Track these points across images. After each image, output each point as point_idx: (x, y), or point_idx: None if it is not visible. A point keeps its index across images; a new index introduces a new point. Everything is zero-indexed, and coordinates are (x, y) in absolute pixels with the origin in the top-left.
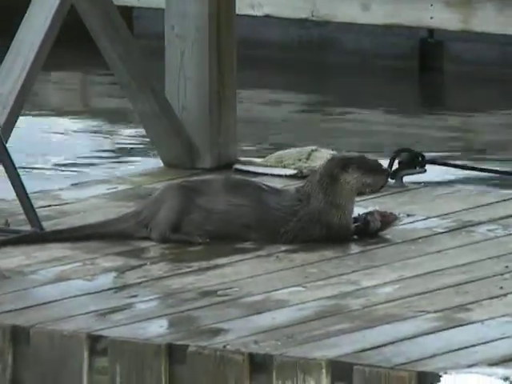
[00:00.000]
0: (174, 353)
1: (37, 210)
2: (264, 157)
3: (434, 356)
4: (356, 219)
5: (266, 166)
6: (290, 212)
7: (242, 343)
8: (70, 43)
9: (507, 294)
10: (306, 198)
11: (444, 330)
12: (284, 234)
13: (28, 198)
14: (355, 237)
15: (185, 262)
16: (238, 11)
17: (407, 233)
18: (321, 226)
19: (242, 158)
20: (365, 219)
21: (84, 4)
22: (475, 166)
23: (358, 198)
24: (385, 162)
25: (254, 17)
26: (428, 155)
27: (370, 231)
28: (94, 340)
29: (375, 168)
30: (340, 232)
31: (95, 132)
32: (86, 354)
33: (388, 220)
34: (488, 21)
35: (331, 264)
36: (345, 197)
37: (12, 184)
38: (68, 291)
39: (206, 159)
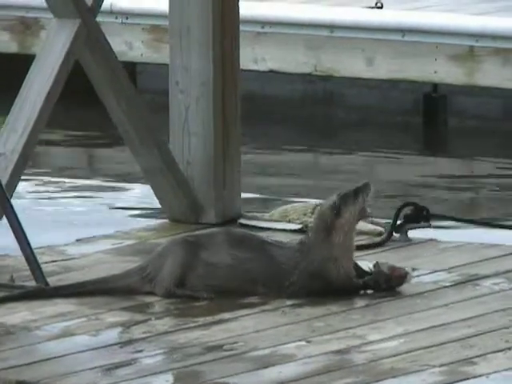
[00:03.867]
0: None
1: (42, 265)
2: (268, 211)
3: None
4: (365, 273)
5: (271, 220)
6: (292, 264)
7: None
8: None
9: None
10: (306, 250)
11: None
12: (289, 287)
13: (33, 253)
14: (365, 291)
15: (190, 317)
16: (241, 66)
17: (413, 287)
18: (320, 280)
19: (247, 213)
20: (374, 273)
21: (88, 60)
22: (480, 220)
23: (361, 253)
24: (390, 216)
25: (258, 72)
26: (433, 209)
27: (380, 285)
28: None
29: (357, 191)
30: (341, 285)
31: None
32: None
33: (399, 274)
34: (492, 75)
35: (337, 318)
36: (342, 246)
37: (17, 239)
38: (73, 347)
39: (210, 214)
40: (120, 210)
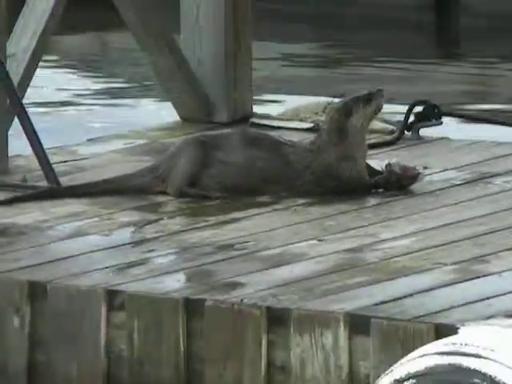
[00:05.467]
0: (191, 307)
1: (53, 165)
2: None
3: (451, 308)
4: (376, 172)
5: (283, 119)
6: (304, 164)
7: (260, 297)
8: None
9: None
10: (317, 150)
11: (462, 282)
12: (300, 187)
13: (45, 153)
14: (376, 190)
15: (202, 217)
16: None
17: (424, 185)
18: (333, 179)
19: (259, 112)
20: (386, 172)
21: None
22: (492, 118)
23: (373, 152)
24: (400, 114)
25: None
26: (444, 106)
27: (391, 185)
28: (111, 295)
29: (370, 95)
30: (353, 184)
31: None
32: (103, 309)
33: (411, 175)
34: None
35: (349, 217)
36: (354, 145)
37: (29, 140)
38: (85, 246)
39: (222, 113)
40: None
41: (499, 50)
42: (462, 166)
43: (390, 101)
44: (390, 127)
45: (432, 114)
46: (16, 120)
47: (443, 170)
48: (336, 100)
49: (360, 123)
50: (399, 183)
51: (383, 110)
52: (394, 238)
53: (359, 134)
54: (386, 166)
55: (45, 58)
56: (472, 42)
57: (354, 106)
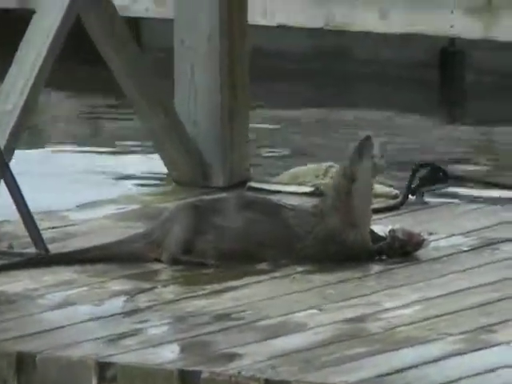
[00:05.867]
0: (186, 379)
1: (42, 231)
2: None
3: (459, 379)
4: (380, 238)
5: (282, 183)
6: (306, 228)
7: (258, 369)
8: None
9: None
10: (320, 214)
11: (469, 352)
12: (300, 251)
13: (32, 219)
14: (379, 257)
15: (197, 285)
16: (249, 20)
17: (429, 251)
18: (336, 245)
19: (256, 176)
20: (389, 238)
21: (90, 17)
22: (500, 182)
23: (376, 217)
24: (404, 177)
25: (267, 27)
26: (450, 170)
27: (395, 251)
28: (102, 366)
29: (360, 149)
30: (357, 251)
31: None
32: (94, 382)
33: (415, 241)
34: (509, 28)
35: (350, 285)
36: (360, 211)
37: (15, 204)
38: (76, 316)
39: (218, 177)
40: (124, 176)
41: (506, 110)
42: (468, 232)
43: (392, 163)
44: (394, 191)
45: (437, 178)
46: (2, 183)
47: (449, 236)
48: (336, 164)
49: (365, 185)
50: (403, 250)
51: (385, 175)
52: (398, 307)
53: (365, 198)
54: (390, 231)
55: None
56: (478, 102)
57: (353, 169)
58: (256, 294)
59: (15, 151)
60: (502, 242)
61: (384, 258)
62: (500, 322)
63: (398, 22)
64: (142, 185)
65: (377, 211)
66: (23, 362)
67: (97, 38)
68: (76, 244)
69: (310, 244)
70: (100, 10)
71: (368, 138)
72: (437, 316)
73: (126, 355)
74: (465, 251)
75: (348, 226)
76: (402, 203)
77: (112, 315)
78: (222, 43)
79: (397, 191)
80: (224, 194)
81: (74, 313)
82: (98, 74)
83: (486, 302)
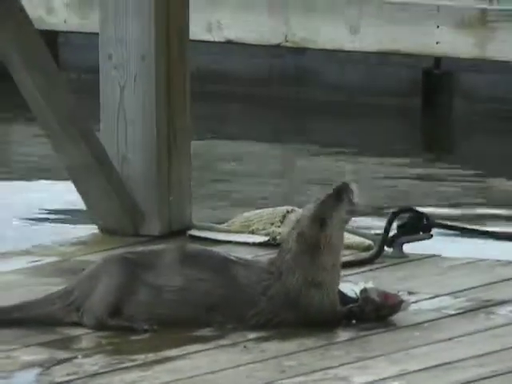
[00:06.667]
0: None
1: None
2: (226, 221)
3: None
4: (349, 299)
5: (230, 231)
6: (260, 289)
7: None
8: None
9: None
10: (278, 272)
11: None
12: (254, 317)
13: None
14: (348, 322)
15: (127, 355)
16: (192, 36)
17: (410, 315)
18: (298, 310)
19: (199, 223)
20: (361, 300)
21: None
22: (496, 230)
23: (346, 272)
24: (381, 224)
25: (213, 43)
26: (434, 216)
27: (368, 315)
28: None
29: (339, 193)
30: (322, 316)
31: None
32: None
33: (392, 303)
34: (507, 46)
35: (313, 355)
36: (328, 266)
37: None
38: None
39: (153, 223)
40: (38, 215)
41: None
42: (457, 292)
43: (367, 210)
44: (367, 242)
45: (419, 226)
46: None
47: (433, 297)
48: (297, 209)
49: (337, 235)
50: (377, 313)
51: (358, 221)
52: (372, 383)
53: (336, 252)
54: (362, 291)
55: None
56: (468, 137)
57: (325, 214)
58: (198, 366)
59: None
60: (498, 304)
61: (354, 322)
62: None
63: (371, 38)
64: (61, 233)
65: (346, 266)
66: None
67: (5, 53)
68: None
69: (264, 309)
70: (10, 21)
71: (346, 184)
72: None
73: None
74: (452, 315)
75: (312, 285)
76: (376, 256)
77: None
78: (157, 61)
79: (370, 242)
80: (160, 246)
81: None
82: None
83: (477, 377)
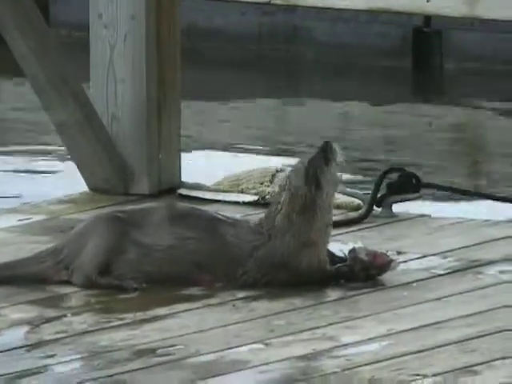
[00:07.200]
0: None
1: None
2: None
3: None
4: (338, 259)
5: (219, 190)
6: (249, 248)
7: None
8: None
9: None
10: (267, 233)
11: None
12: (242, 276)
13: None
14: (337, 282)
15: (116, 313)
16: None
17: (398, 275)
18: (287, 270)
19: (189, 181)
20: (350, 260)
21: None
22: (485, 191)
23: (336, 232)
24: (370, 185)
25: (203, 0)
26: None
27: (356, 275)
28: None
29: (326, 153)
30: (311, 276)
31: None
32: None
33: (381, 262)
34: (497, 4)
35: (302, 314)
36: (320, 225)
37: None
38: None
39: (142, 182)
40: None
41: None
42: (445, 252)
43: (356, 168)
44: (356, 201)
45: (408, 185)
46: None
47: (422, 257)
48: (287, 168)
49: (329, 196)
50: (366, 273)
51: (346, 180)
52: (359, 343)
53: (327, 212)
54: (350, 251)
55: None
56: (458, 96)
57: (318, 174)
58: (187, 324)
59: None
60: (486, 264)
61: (343, 282)
62: (483, 363)
63: None
64: (50, 191)
65: (335, 225)
66: None
67: None
68: None
69: (252, 268)
70: None
71: (329, 144)
72: (407, 354)
73: None
74: (441, 275)
75: (303, 246)
76: (365, 216)
77: (11, 349)
78: (148, 20)
79: (359, 201)
80: (150, 204)
81: None
82: None
83: (465, 337)
